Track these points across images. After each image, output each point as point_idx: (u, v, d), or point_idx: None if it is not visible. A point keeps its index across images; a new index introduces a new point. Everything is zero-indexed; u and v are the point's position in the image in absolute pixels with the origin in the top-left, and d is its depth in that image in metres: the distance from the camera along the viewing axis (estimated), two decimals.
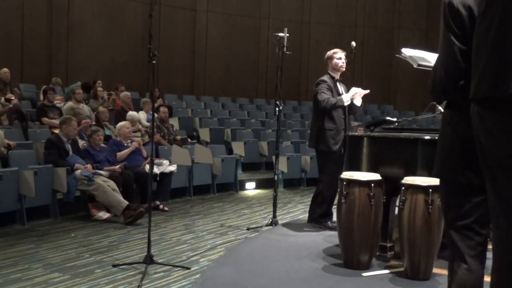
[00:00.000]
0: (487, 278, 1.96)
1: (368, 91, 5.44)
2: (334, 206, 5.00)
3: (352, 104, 5.44)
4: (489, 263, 1.96)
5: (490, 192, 1.75)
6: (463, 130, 2.19)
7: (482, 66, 1.69)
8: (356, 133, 4.65)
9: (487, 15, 1.68)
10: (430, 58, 3.25)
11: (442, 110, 2.56)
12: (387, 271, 3.98)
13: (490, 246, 1.97)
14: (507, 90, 1.60)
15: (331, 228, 5.34)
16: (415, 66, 3.55)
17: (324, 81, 5.49)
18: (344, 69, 5.63)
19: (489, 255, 1.98)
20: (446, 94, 2.26)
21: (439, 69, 2.23)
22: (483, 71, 1.69)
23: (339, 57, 5.57)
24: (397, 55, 3.77)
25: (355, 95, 5.40)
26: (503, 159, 1.66)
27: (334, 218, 5.06)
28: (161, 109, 8.46)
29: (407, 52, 3.60)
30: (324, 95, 5.36)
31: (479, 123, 1.73)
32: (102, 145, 6.84)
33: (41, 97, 9.19)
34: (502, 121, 1.65)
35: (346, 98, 5.35)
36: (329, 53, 5.67)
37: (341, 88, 5.60)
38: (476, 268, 2.17)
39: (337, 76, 5.61)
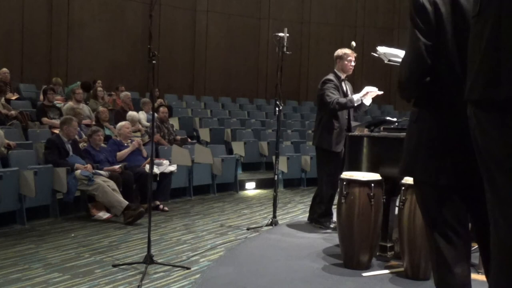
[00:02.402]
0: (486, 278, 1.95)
1: (381, 92, 5.33)
2: (334, 206, 5.00)
3: (361, 103, 5.34)
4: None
5: (489, 193, 1.74)
6: (429, 128, 2.18)
7: (476, 68, 1.69)
8: (356, 133, 4.65)
9: (481, 17, 1.68)
10: (402, 55, 3.25)
11: None
12: (387, 271, 3.98)
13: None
14: (499, 94, 1.60)
15: (331, 228, 5.34)
16: (385, 61, 3.54)
17: (331, 80, 5.42)
18: (351, 72, 5.59)
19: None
20: (412, 90, 2.25)
21: (405, 65, 2.23)
22: (477, 72, 1.69)
23: (350, 59, 5.49)
24: (372, 53, 3.74)
25: (366, 95, 5.31)
26: (501, 160, 1.65)
27: (334, 218, 5.05)
28: (161, 109, 8.46)
29: (381, 49, 3.58)
30: (333, 96, 5.29)
31: (476, 124, 1.73)
32: (102, 145, 6.85)
33: (41, 97, 9.18)
34: (498, 122, 1.64)
35: (356, 98, 5.28)
36: (339, 52, 5.54)
37: (346, 87, 5.55)
38: (459, 271, 2.13)
39: (343, 76, 5.55)
